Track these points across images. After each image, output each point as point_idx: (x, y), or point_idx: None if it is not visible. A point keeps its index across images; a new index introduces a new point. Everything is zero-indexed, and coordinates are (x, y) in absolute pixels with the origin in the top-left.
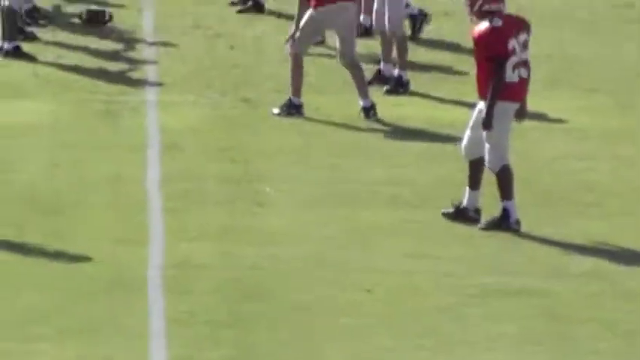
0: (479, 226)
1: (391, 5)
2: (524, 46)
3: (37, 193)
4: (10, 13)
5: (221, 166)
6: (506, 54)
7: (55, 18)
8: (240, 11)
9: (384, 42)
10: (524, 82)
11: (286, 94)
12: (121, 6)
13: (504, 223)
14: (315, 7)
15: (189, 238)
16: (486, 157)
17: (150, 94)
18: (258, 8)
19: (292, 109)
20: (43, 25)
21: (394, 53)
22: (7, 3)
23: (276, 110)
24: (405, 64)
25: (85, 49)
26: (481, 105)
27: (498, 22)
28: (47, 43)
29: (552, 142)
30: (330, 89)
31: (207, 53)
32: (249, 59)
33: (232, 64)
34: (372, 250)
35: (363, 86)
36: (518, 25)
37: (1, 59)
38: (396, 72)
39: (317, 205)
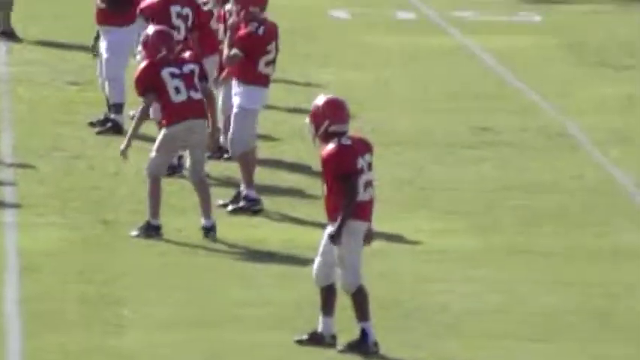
0: (337, 348)
1: (235, 126)
2: (370, 166)
3: None
4: None
5: (80, 288)
6: (357, 172)
7: None
8: (99, 132)
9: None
10: (372, 203)
11: (145, 216)
12: None
13: (362, 345)
14: (167, 125)
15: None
16: (340, 280)
17: (7, 216)
18: (117, 129)
19: (151, 230)
20: None
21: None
22: None
23: (134, 232)
24: (251, 183)
25: None
26: (330, 229)
27: (347, 141)
28: None
29: (410, 263)
30: (190, 210)
31: (66, 174)
32: (109, 180)
33: (91, 185)
34: None
35: (207, 206)
36: (363, 145)
37: None
38: (244, 192)
39: (175, 327)
